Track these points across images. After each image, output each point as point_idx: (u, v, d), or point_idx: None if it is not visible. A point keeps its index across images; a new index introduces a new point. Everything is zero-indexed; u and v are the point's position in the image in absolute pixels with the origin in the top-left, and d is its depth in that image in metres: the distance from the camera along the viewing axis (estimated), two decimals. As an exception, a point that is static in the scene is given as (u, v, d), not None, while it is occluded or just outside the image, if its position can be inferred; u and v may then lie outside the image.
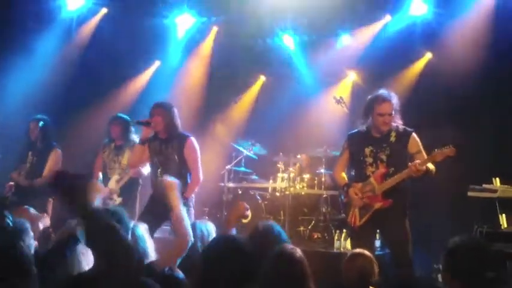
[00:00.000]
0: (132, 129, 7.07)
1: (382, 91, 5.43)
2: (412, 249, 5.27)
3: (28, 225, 3.97)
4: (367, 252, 4.07)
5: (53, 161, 7.11)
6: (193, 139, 6.07)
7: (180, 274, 3.53)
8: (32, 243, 3.94)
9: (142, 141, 6.11)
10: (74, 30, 9.24)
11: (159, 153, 6.01)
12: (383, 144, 5.31)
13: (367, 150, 5.34)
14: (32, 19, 8.68)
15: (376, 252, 5.60)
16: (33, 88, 8.55)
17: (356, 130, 5.54)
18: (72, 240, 3.66)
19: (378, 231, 5.75)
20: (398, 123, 5.38)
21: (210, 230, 4.07)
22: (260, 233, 3.75)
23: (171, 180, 3.95)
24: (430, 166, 5.22)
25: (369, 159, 5.32)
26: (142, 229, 3.89)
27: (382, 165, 5.27)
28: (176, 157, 5.97)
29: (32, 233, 3.98)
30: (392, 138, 5.32)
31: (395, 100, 5.37)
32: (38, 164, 7.06)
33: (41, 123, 7.09)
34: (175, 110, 6.08)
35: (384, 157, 5.28)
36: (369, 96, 5.46)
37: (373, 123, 5.36)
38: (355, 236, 5.48)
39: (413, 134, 5.37)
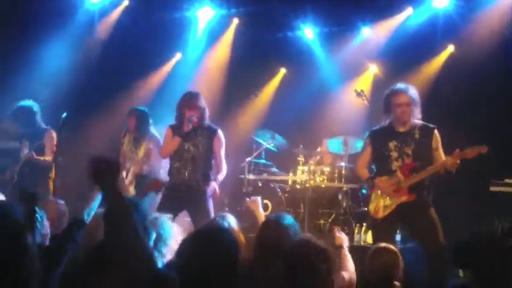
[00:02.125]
0: (150, 121, 7.10)
1: (399, 84, 5.42)
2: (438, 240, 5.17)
3: (43, 215, 3.94)
4: (391, 246, 4.05)
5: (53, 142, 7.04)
6: (221, 132, 6.15)
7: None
8: (47, 232, 3.92)
9: (180, 135, 6.03)
10: (95, 22, 9.30)
11: (189, 140, 6.01)
12: (408, 139, 5.29)
13: (392, 145, 5.31)
14: (55, 12, 8.76)
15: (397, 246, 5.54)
16: (56, 80, 8.64)
17: (378, 126, 5.52)
18: (80, 224, 3.65)
19: (398, 226, 5.70)
20: (418, 119, 5.35)
21: (233, 222, 4.09)
22: (272, 224, 3.79)
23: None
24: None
25: (394, 154, 5.29)
26: (172, 225, 3.85)
27: (408, 159, 5.25)
28: (205, 147, 6.01)
29: (46, 223, 3.95)
30: (417, 135, 5.30)
31: (412, 92, 5.34)
32: (34, 147, 7.02)
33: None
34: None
35: (409, 151, 5.26)
36: (385, 91, 5.46)
37: (394, 117, 5.35)
38: (376, 229, 5.46)
39: (436, 131, 5.35)
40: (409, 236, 5.73)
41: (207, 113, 6.09)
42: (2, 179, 7.14)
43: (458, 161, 5.10)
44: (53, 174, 6.93)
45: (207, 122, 6.09)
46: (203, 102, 6.08)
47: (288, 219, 3.84)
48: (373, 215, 5.37)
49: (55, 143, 6.96)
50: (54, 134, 7.04)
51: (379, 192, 5.33)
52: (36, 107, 7.18)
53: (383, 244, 4.08)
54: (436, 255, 5.05)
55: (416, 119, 5.35)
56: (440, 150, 5.30)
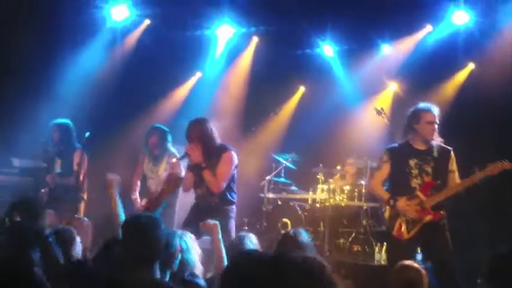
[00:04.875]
0: (169, 139, 7.16)
1: (425, 103, 5.45)
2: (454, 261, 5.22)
3: (75, 234, 4.06)
4: (416, 264, 4.02)
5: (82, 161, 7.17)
6: (232, 153, 5.85)
7: (201, 280, 3.54)
8: (78, 251, 4.03)
9: (191, 168, 5.91)
10: (118, 41, 9.40)
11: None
12: (427, 156, 5.31)
13: (412, 163, 5.31)
14: (78, 30, 8.87)
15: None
16: (78, 98, 8.71)
17: (395, 144, 5.51)
18: (116, 243, 3.69)
19: (419, 245, 5.62)
20: (437, 139, 5.38)
21: (254, 241, 4.11)
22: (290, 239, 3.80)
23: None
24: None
25: (414, 171, 5.30)
26: (189, 240, 3.91)
27: (428, 178, 5.26)
28: (214, 171, 5.77)
29: (79, 242, 4.06)
30: (435, 153, 5.32)
31: (438, 111, 5.42)
32: (65, 165, 7.19)
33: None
34: (209, 125, 5.84)
35: (429, 169, 5.28)
36: (412, 109, 5.44)
37: (419, 134, 5.34)
38: (398, 249, 5.32)
39: (452, 153, 5.38)
40: (425, 255, 5.67)
41: (212, 137, 5.79)
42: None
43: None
44: (84, 195, 7.12)
45: (215, 144, 5.82)
46: (203, 129, 5.78)
47: (304, 235, 3.86)
48: (397, 237, 5.29)
49: (84, 162, 7.11)
50: (82, 153, 7.15)
51: (400, 213, 5.28)
52: (72, 125, 7.31)
53: (408, 262, 4.06)
54: (446, 276, 5.02)
55: (436, 139, 5.39)
56: (456, 173, 5.32)
